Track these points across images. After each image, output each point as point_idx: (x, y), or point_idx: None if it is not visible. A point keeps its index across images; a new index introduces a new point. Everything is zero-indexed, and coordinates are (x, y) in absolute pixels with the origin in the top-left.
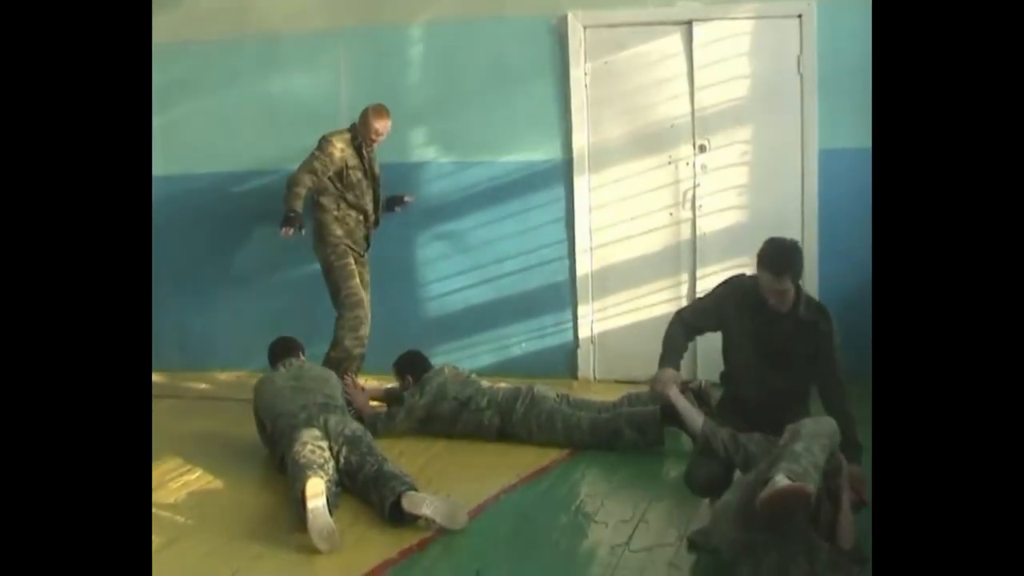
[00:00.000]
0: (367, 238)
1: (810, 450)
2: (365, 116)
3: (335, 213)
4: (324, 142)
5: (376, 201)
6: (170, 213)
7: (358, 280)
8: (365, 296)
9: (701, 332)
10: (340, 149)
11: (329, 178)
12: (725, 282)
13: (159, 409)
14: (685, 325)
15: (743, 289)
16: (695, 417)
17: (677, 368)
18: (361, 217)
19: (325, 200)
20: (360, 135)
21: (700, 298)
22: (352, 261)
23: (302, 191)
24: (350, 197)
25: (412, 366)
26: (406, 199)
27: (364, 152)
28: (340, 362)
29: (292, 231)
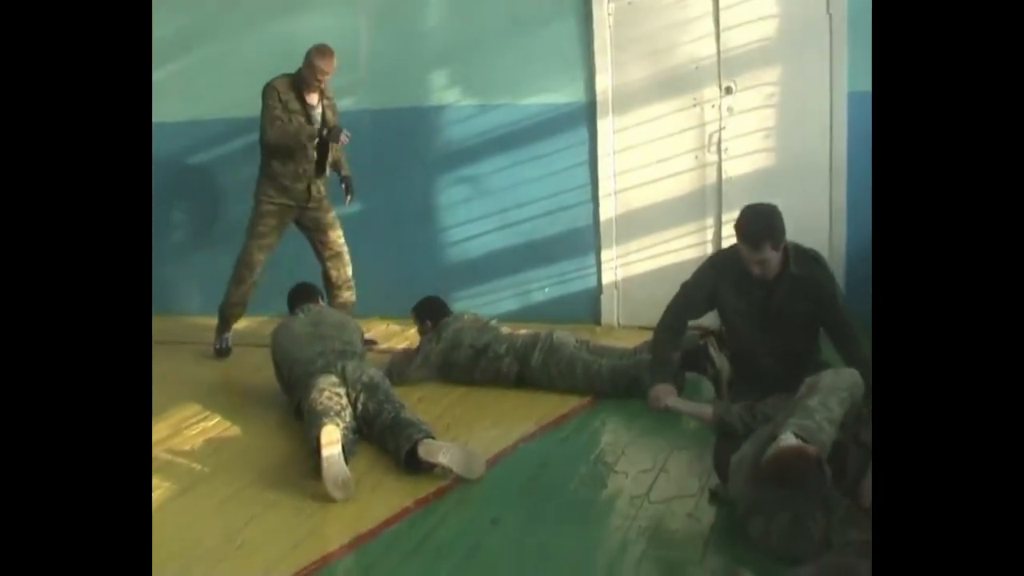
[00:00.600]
0: (309, 188)
1: (826, 404)
2: (308, 57)
3: (268, 170)
4: (268, 89)
5: (323, 148)
6: (194, 159)
7: (265, 241)
8: (262, 260)
9: (686, 325)
10: (283, 92)
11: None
12: (709, 260)
13: (179, 355)
14: (670, 331)
15: (728, 264)
16: (704, 409)
17: (671, 382)
18: (301, 170)
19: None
20: (304, 78)
21: (681, 289)
22: (272, 222)
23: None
24: (289, 143)
25: (431, 311)
26: (343, 136)
27: (306, 96)
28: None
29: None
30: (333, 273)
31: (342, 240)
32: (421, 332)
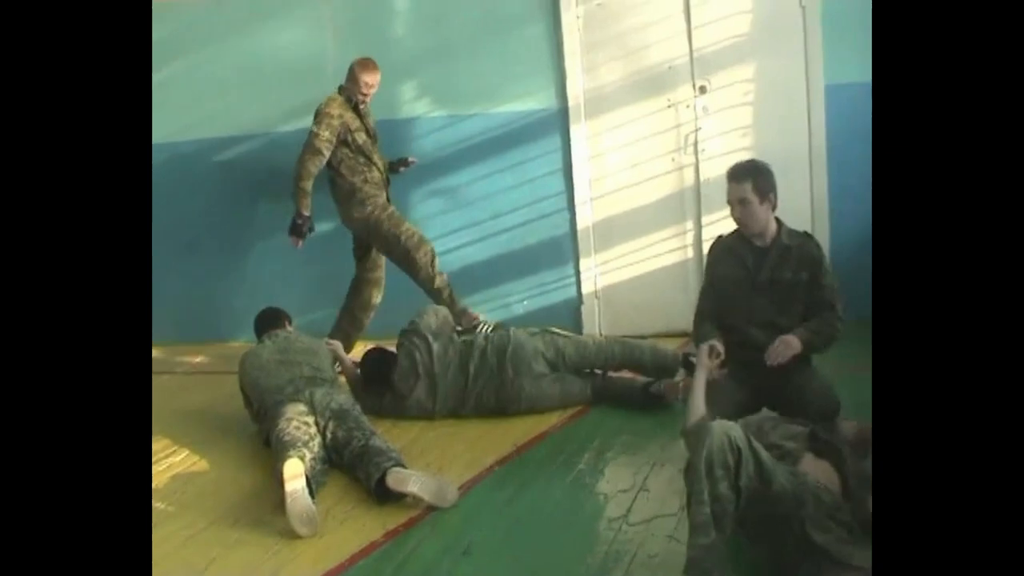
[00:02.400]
0: (388, 199)
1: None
2: (352, 72)
3: (361, 177)
4: (321, 115)
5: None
6: (157, 182)
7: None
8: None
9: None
10: (339, 115)
11: (338, 147)
12: (710, 247)
13: (154, 386)
14: (703, 314)
15: (724, 245)
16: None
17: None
18: (383, 178)
19: (344, 169)
20: (351, 93)
21: (703, 286)
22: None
23: (309, 184)
24: (362, 160)
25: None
26: (410, 160)
27: (360, 110)
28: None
29: (301, 241)
30: (376, 299)
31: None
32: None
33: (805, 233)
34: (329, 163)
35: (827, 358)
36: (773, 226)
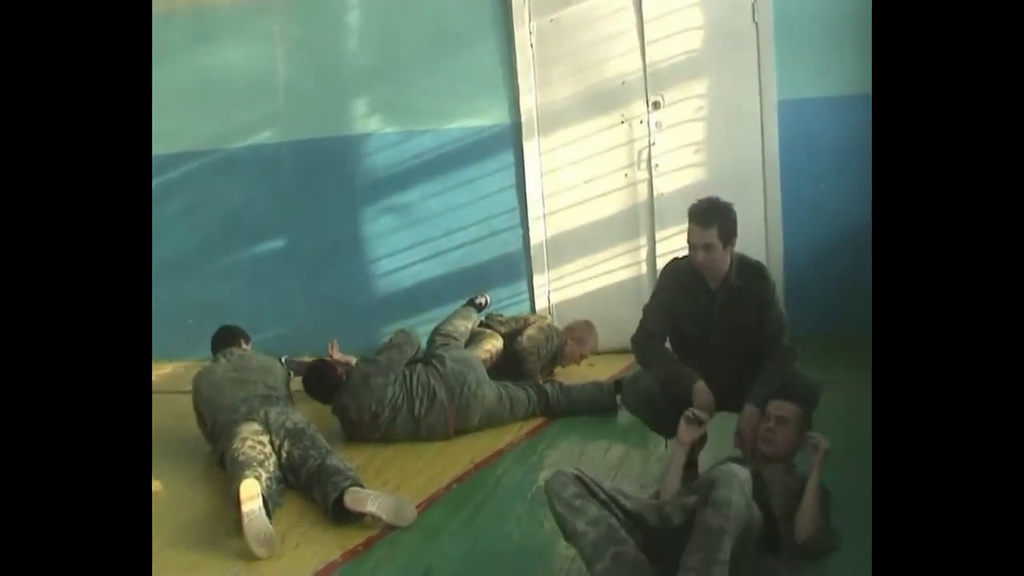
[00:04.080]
0: None
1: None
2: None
3: None
4: None
5: None
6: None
7: None
8: None
9: (663, 330)
10: None
11: None
12: (663, 269)
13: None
14: (651, 335)
15: (679, 270)
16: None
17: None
18: None
19: None
20: None
21: (646, 306)
22: None
23: None
24: None
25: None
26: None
27: None
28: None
29: None
30: None
31: None
32: None
33: (757, 269)
34: None
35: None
36: (726, 266)
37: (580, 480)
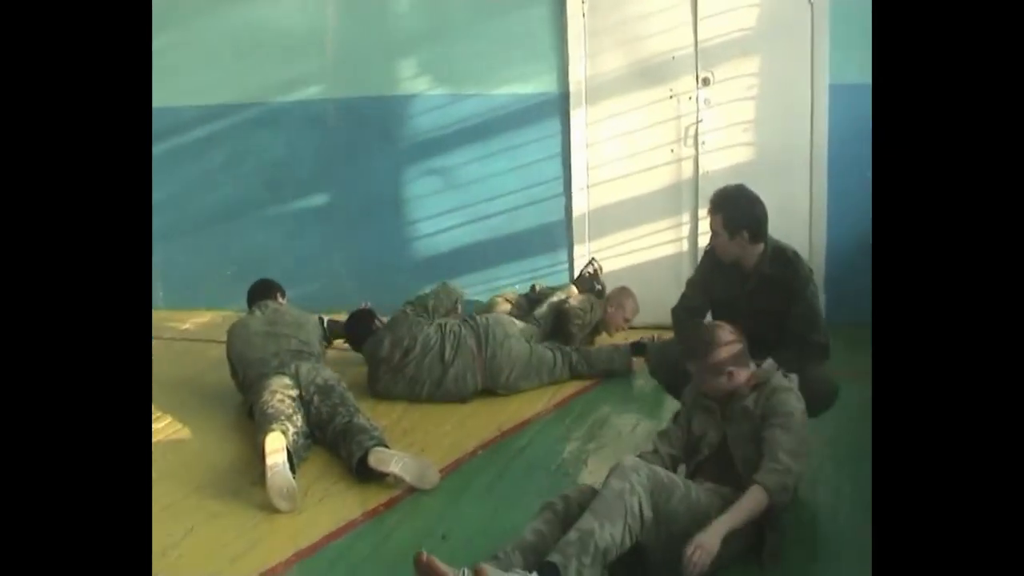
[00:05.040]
0: None
1: None
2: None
3: None
4: None
5: None
6: (158, 148)
7: None
8: None
9: (703, 304)
10: None
11: None
12: (707, 248)
13: None
14: (689, 310)
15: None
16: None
17: None
18: None
19: None
20: None
21: (687, 281)
22: None
23: None
24: None
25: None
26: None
27: None
28: None
29: None
30: None
31: None
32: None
33: (789, 257)
34: None
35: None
36: (753, 257)
37: None
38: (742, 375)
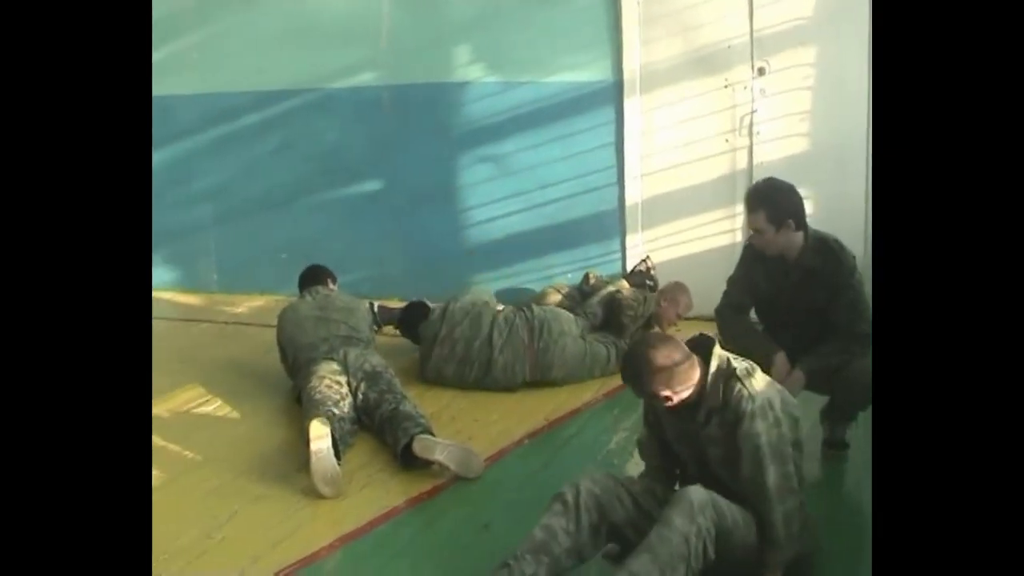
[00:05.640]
0: None
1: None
2: None
3: None
4: None
5: None
6: (207, 132)
7: None
8: None
9: (748, 306)
10: None
11: None
12: (747, 242)
13: (193, 334)
14: (733, 307)
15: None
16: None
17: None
18: None
19: None
20: None
21: (730, 277)
22: None
23: None
24: None
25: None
26: None
27: None
28: None
29: None
30: None
31: None
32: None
33: (830, 247)
34: None
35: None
36: (796, 248)
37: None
38: (684, 393)
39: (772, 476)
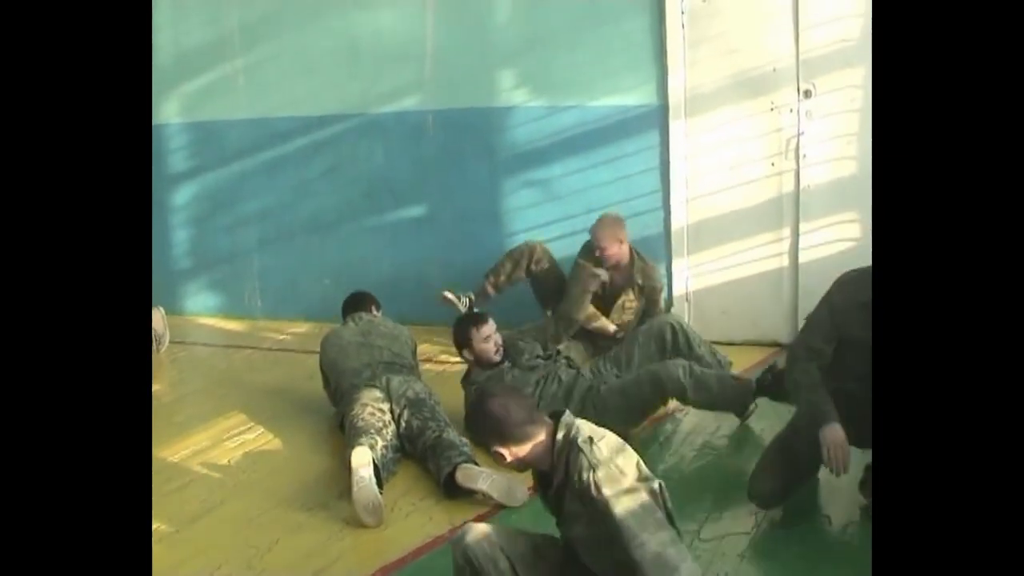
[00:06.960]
0: None
1: None
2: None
3: None
4: None
5: None
6: (254, 157)
7: None
8: None
9: (827, 354)
10: None
11: None
12: (838, 280)
13: (235, 360)
14: (810, 350)
15: (859, 283)
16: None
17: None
18: None
19: None
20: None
21: (811, 316)
22: None
23: None
24: None
25: None
26: None
27: None
28: None
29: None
30: None
31: None
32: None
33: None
34: None
35: None
36: None
37: None
38: (520, 454)
39: (641, 550)
